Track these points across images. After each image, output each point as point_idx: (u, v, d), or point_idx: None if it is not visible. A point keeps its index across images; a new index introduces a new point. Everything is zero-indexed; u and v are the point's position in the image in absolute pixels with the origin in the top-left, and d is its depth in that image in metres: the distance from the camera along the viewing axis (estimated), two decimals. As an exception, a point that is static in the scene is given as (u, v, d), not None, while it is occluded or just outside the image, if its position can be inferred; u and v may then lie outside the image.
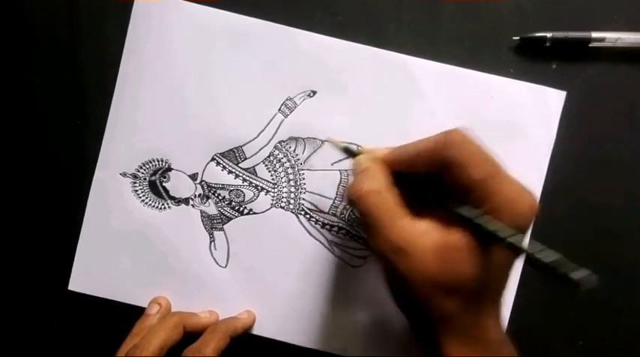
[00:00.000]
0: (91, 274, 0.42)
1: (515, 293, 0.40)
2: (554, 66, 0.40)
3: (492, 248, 0.29)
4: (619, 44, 0.39)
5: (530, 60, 0.40)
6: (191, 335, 0.39)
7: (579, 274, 0.23)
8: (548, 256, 0.25)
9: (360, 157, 0.34)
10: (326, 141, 0.41)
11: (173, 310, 0.41)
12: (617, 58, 0.40)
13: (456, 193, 0.30)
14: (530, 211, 0.29)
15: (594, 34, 0.39)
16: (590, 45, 0.39)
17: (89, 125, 0.41)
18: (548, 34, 0.39)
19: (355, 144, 0.40)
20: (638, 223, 0.41)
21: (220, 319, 0.40)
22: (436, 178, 0.30)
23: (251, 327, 0.41)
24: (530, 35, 0.40)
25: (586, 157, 0.40)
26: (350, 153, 0.37)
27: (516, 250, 0.26)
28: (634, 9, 0.40)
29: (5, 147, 0.42)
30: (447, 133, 0.30)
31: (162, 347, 0.37)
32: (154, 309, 0.40)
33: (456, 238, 0.29)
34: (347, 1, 0.41)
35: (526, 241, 0.28)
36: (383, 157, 0.33)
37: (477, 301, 0.30)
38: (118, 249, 0.41)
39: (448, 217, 0.30)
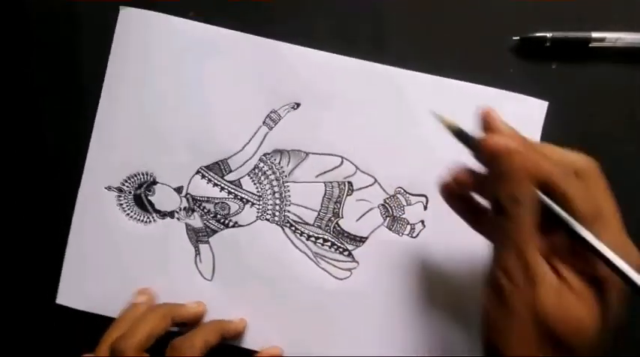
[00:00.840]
0: (78, 288, 0.42)
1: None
2: (554, 66, 0.40)
3: (607, 294, 0.27)
4: (619, 44, 0.39)
5: (530, 60, 0.40)
6: (176, 333, 0.39)
7: None
8: None
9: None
10: (311, 154, 0.41)
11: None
12: (617, 58, 0.40)
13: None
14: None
15: (594, 34, 0.39)
16: (590, 45, 0.39)
17: (88, 127, 0.41)
18: (548, 34, 0.39)
19: (342, 157, 0.40)
20: (638, 222, 0.40)
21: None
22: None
23: (242, 333, 0.40)
24: (530, 35, 0.39)
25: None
26: (465, 139, 0.31)
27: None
28: (634, 9, 0.40)
29: (5, 149, 0.42)
30: (584, 159, 0.28)
31: (149, 336, 0.37)
32: (140, 298, 0.40)
33: (580, 285, 0.26)
34: (346, 3, 0.41)
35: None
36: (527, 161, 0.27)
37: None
38: (104, 263, 0.41)
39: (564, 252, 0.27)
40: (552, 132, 0.40)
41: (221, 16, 0.41)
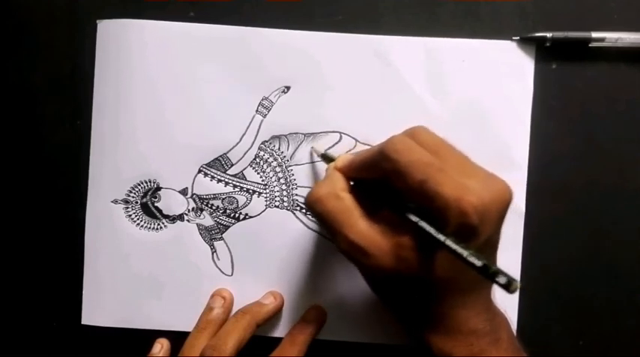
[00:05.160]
0: (102, 306, 0.42)
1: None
2: (554, 66, 0.40)
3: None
4: (619, 44, 0.39)
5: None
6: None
7: (503, 279, 0.25)
8: (478, 259, 0.26)
9: (328, 166, 0.36)
10: (308, 134, 0.41)
11: (185, 321, 0.41)
12: (617, 58, 0.40)
13: (406, 197, 0.30)
14: (474, 208, 0.27)
15: (594, 34, 0.39)
16: (590, 45, 0.39)
17: (89, 128, 0.41)
18: (548, 34, 0.39)
19: (340, 132, 0.40)
20: (638, 222, 0.40)
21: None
22: (389, 183, 0.30)
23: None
24: (530, 35, 0.39)
25: (586, 157, 0.40)
26: (329, 160, 0.38)
27: (452, 253, 0.27)
28: (634, 9, 0.40)
29: (5, 151, 0.42)
30: (384, 144, 0.30)
31: (237, 348, 0.37)
32: (218, 302, 0.40)
33: (407, 238, 0.29)
34: (347, 0, 0.41)
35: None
36: (339, 166, 0.34)
37: (444, 294, 0.31)
38: (123, 277, 0.41)
39: (403, 219, 0.30)
40: (552, 131, 0.40)
41: (235, 9, 0.41)
